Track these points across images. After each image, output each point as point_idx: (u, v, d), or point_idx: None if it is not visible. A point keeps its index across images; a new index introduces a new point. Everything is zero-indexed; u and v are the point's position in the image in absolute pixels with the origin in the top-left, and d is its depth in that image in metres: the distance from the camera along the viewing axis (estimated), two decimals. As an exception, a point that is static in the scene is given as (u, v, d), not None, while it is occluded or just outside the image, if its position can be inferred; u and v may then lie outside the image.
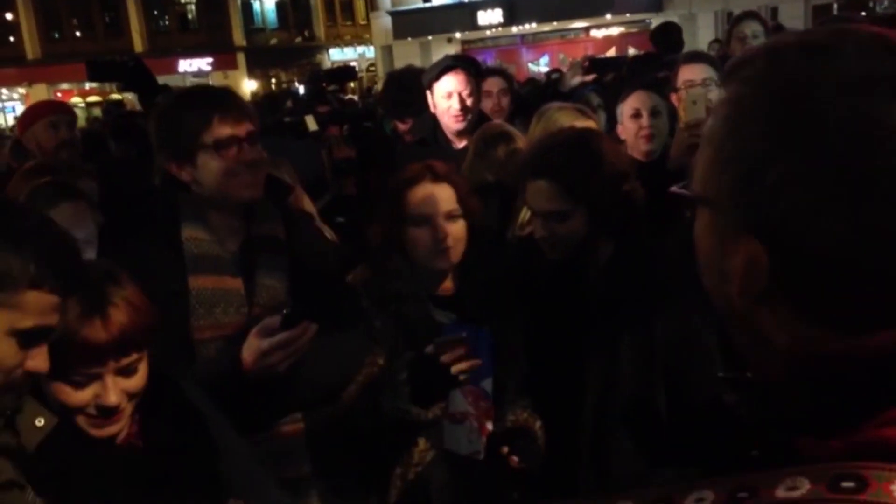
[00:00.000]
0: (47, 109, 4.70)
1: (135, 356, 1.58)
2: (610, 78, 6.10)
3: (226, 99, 2.28)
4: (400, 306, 2.36)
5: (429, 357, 2.16)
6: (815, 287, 0.75)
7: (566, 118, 3.20)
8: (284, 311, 1.92)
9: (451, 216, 2.38)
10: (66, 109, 4.83)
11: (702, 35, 18.98)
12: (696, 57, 3.99)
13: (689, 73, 3.76)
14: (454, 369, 2.14)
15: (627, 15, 24.28)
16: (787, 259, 0.76)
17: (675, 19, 13.56)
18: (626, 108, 3.53)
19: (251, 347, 1.92)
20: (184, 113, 2.22)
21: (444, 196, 2.39)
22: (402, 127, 4.49)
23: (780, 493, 0.69)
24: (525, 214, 2.95)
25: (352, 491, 2.37)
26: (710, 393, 2.12)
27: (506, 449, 2.26)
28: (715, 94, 3.58)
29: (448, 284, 2.45)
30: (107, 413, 1.55)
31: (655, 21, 20.49)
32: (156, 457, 1.63)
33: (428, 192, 2.39)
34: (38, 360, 1.36)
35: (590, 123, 3.24)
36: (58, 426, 1.51)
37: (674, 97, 3.76)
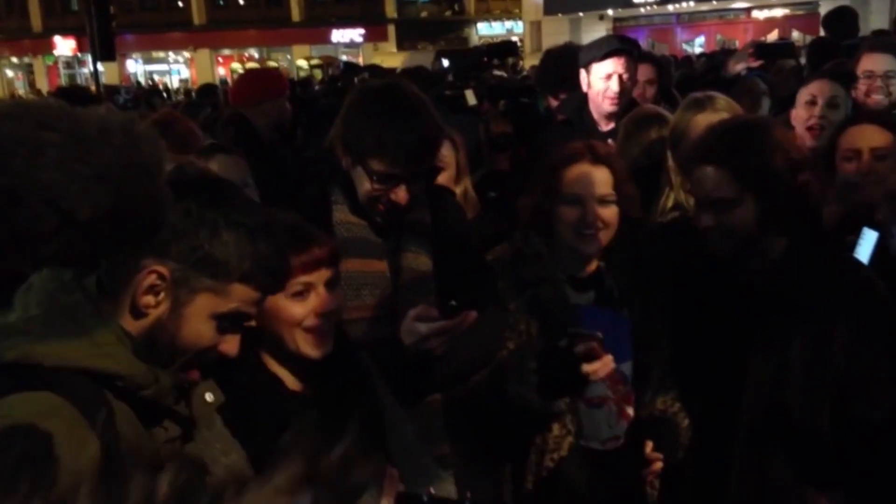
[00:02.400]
0: (281, 86, 4.63)
1: (336, 270, 1.78)
2: (784, 64, 5.81)
3: (409, 136, 2.13)
4: (536, 290, 2.32)
5: (560, 350, 2.11)
6: None
7: (715, 110, 2.90)
8: (452, 304, 1.94)
9: (604, 200, 2.32)
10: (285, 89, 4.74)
11: (874, 21, 17.72)
12: (881, 46, 3.75)
13: (870, 63, 3.55)
14: (585, 368, 2.07)
15: (794, -5, 23.03)
16: None
17: (847, 2, 12.73)
18: (803, 94, 3.37)
19: (410, 331, 1.95)
20: (366, 126, 2.16)
21: (600, 179, 2.33)
22: (555, 103, 4.47)
23: None
24: (668, 199, 2.87)
25: (485, 475, 2.38)
26: (887, 413, 2.01)
27: (650, 443, 2.21)
28: (896, 87, 3.38)
29: (591, 266, 2.40)
30: (326, 317, 1.73)
31: (825, 3, 19.30)
32: (325, 408, 1.73)
33: (584, 173, 2.34)
34: (231, 344, 1.48)
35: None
36: (244, 370, 1.63)
37: (856, 89, 3.57)
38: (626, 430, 2.34)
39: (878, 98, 3.41)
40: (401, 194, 2.17)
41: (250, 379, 1.72)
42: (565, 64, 4.36)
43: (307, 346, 1.74)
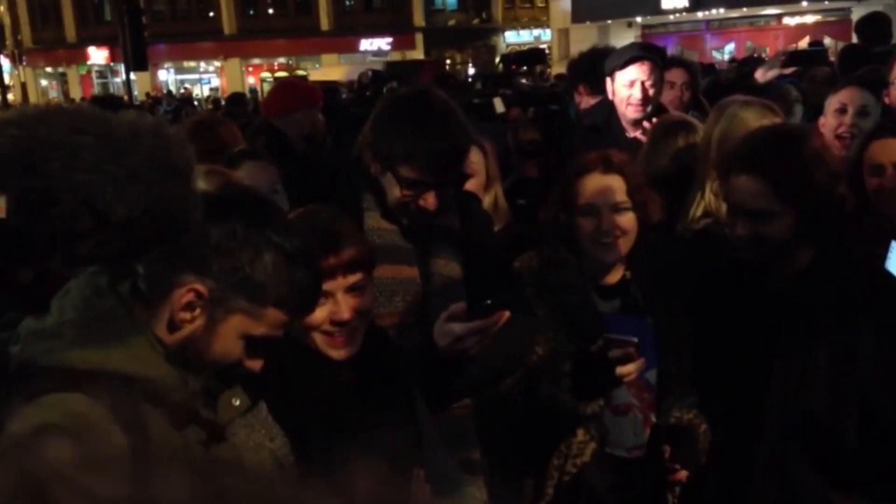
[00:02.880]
0: (314, 97, 4.61)
1: (360, 275, 1.79)
2: (818, 72, 5.75)
3: (440, 144, 2.14)
4: (565, 296, 2.35)
5: (595, 353, 2.14)
6: None
7: (753, 116, 2.93)
8: (487, 303, 1.95)
9: (619, 208, 2.34)
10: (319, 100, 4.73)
11: (909, 26, 17.50)
12: (915, 50, 3.72)
13: (904, 69, 3.51)
14: (619, 371, 2.11)
15: (826, 2, 22.76)
16: None
17: (881, 8, 12.57)
18: (833, 102, 3.35)
19: (444, 332, 1.95)
20: (396, 133, 2.17)
21: (613, 187, 2.36)
22: (583, 105, 4.47)
23: None
24: (698, 209, 2.84)
25: (512, 478, 2.39)
26: None
27: (668, 448, 2.23)
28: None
29: (616, 275, 2.42)
30: (341, 325, 1.75)
31: (857, 9, 19.06)
32: (367, 400, 1.77)
33: (597, 183, 2.36)
34: (256, 363, 1.50)
35: (777, 121, 3.00)
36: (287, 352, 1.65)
37: (886, 93, 3.52)
38: (647, 438, 2.35)
39: (914, 104, 3.37)
40: (430, 200, 2.20)
41: (295, 356, 1.74)
42: (595, 62, 4.36)
43: (327, 348, 1.77)
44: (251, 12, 38.13)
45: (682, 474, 2.29)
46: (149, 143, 1.26)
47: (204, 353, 1.42)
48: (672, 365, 2.36)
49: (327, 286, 1.71)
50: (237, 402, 1.54)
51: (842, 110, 3.29)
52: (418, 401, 1.94)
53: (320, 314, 1.73)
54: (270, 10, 38.24)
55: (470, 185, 3.06)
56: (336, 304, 1.75)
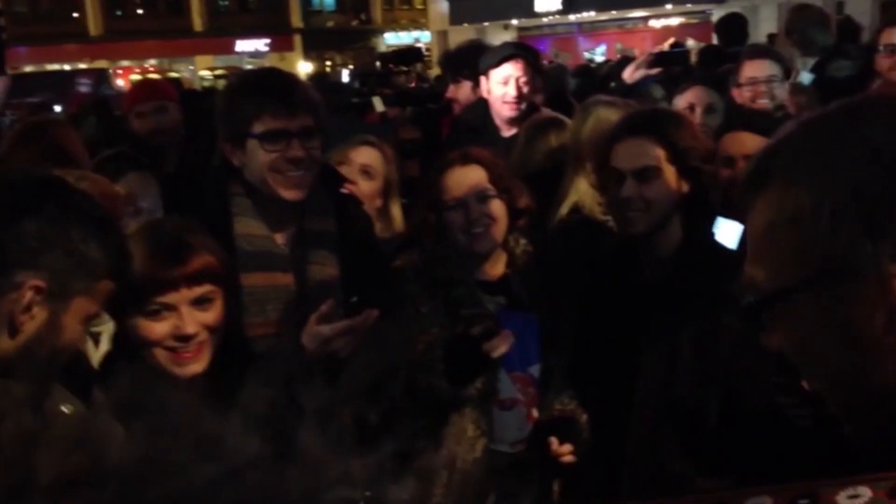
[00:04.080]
0: (154, 93, 4.53)
1: (208, 287, 1.70)
2: (677, 70, 6.03)
3: (285, 88, 2.19)
4: (449, 292, 2.36)
5: (460, 335, 2.17)
6: None
7: (617, 115, 2.97)
8: (353, 300, 1.94)
9: (483, 196, 2.37)
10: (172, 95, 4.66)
11: (763, 27, 18.49)
12: (761, 52, 3.92)
13: (753, 70, 3.71)
14: (486, 347, 2.12)
15: (688, 5, 23.86)
16: None
17: (738, 10, 13.28)
18: (681, 102, 3.49)
19: (313, 334, 1.92)
20: (242, 96, 2.19)
21: (474, 177, 2.39)
22: (455, 92, 4.54)
23: (842, 500, 0.69)
24: (566, 206, 2.91)
25: (390, 473, 2.39)
26: (767, 399, 2.11)
27: (554, 440, 2.25)
28: (780, 90, 3.52)
29: (497, 270, 2.45)
30: (184, 340, 1.66)
31: (717, 12, 20.05)
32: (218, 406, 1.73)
33: (459, 176, 2.40)
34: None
35: None
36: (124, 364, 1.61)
37: (736, 92, 3.72)
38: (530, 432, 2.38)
39: (763, 102, 3.56)
40: (296, 150, 2.13)
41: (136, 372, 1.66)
42: (470, 50, 4.44)
43: (171, 365, 1.69)
44: (119, 13, 36.54)
45: (568, 460, 2.31)
46: None
47: (54, 348, 1.37)
48: (555, 359, 2.41)
49: (170, 299, 1.65)
50: (68, 409, 1.47)
51: (690, 109, 3.43)
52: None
53: (162, 328, 1.65)
54: (140, 11, 36.75)
55: (367, 188, 3.01)
56: (180, 318, 1.68)
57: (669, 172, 2.24)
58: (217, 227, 2.07)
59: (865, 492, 0.68)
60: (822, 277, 0.77)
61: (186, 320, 1.67)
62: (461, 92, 4.49)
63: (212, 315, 1.72)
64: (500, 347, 2.14)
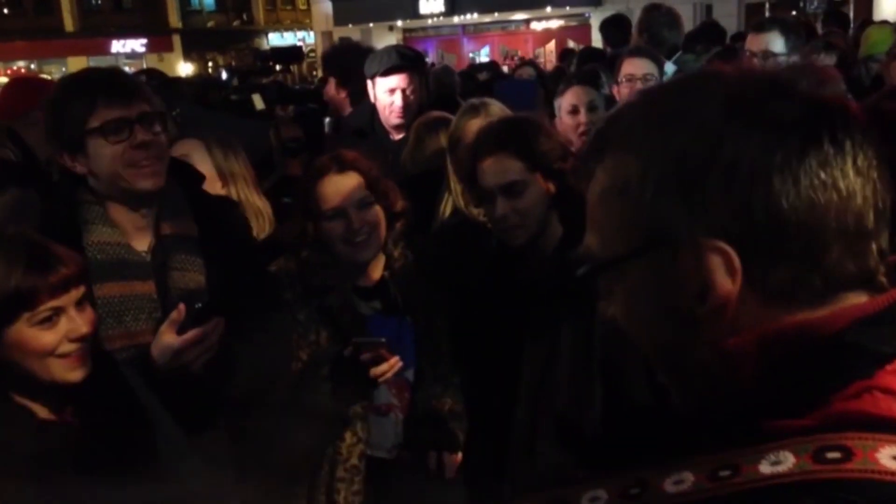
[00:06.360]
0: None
1: (83, 289, 1.69)
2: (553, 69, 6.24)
3: (112, 79, 2.12)
4: (324, 299, 2.33)
5: (348, 357, 2.17)
6: (777, 263, 0.75)
7: (479, 121, 2.93)
8: (197, 306, 1.87)
9: (362, 204, 2.35)
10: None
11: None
12: (639, 52, 4.07)
13: (631, 68, 3.86)
14: (374, 372, 2.16)
15: (567, 8, 24.48)
16: (756, 244, 0.74)
17: (616, 11, 13.71)
18: (563, 104, 3.56)
19: (161, 346, 1.86)
20: (69, 99, 2.07)
21: (351, 185, 2.36)
22: (341, 94, 4.51)
23: (765, 468, 0.68)
24: (447, 206, 2.93)
25: (279, 489, 2.31)
26: (646, 388, 2.18)
27: (433, 454, 2.31)
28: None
29: (375, 275, 2.44)
30: (80, 340, 1.64)
31: (595, 15, 20.73)
32: (91, 435, 1.66)
33: (336, 185, 2.36)
34: None
35: None
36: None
37: (615, 89, 3.86)
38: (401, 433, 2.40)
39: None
40: (142, 135, 2.04)
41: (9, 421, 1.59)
42: (353, 55, 4.43)
43: (65, 372, 1.64)
44: (-20, 12, 34.58)
45: (457, 458, 2.36)
46: None
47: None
48: (429, 362, 2.42)
49: (58, 302, 1.61)
50: None
51: (574, 110, 3.52)
52: (164, 425, 1.83)
53: (53, 337, 1.61)
54: (5, 10, 34.80)
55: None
56: (71, 320, 1.64)
57: (535, 180, 2.26)
58: (65, 240, 1.89)
59: (788, 457, 0.68)
60: (645, 247, 0.78)
61: (78, 321, 1.65)
62: (327, 89, 4.50)
63: (87, 317, 1.69)
64: (388, 373, 2.18)
